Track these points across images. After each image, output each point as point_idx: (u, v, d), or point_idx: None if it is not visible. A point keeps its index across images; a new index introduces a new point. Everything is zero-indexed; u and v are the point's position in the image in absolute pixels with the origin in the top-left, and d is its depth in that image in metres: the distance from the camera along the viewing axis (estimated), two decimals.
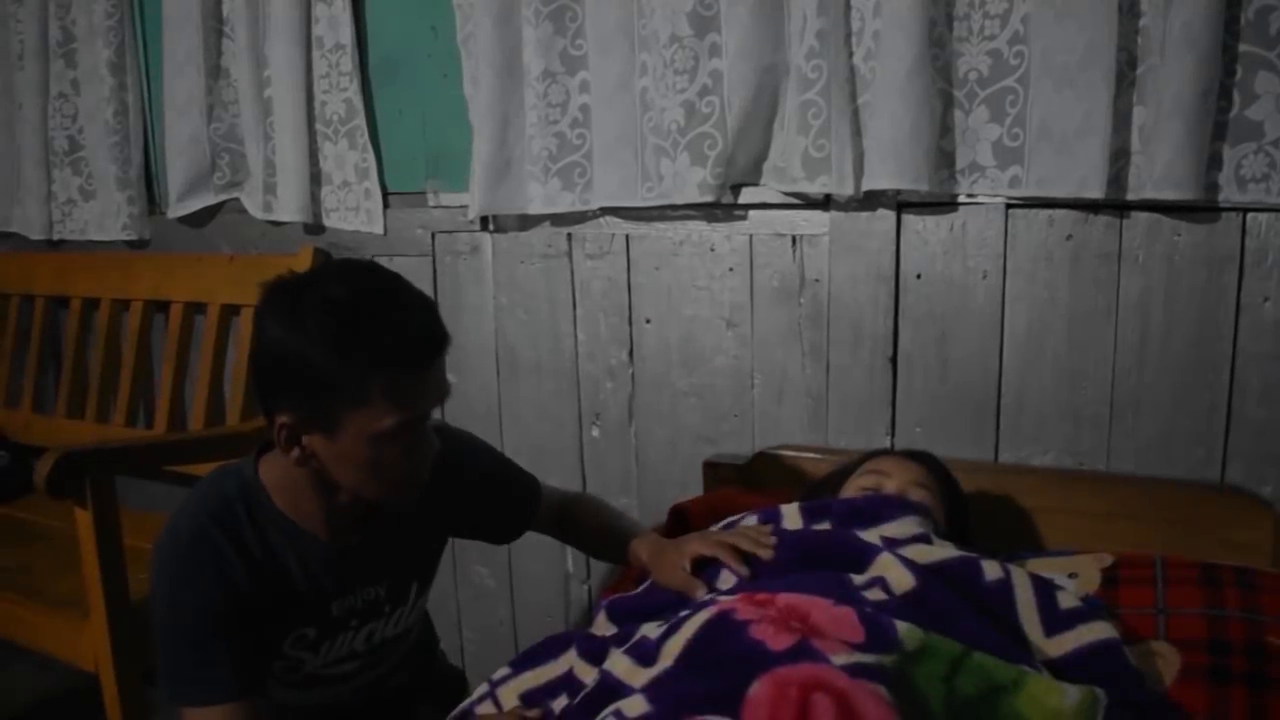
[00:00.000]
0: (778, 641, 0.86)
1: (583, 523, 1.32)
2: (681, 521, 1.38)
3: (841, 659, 0.83)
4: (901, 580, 1.00)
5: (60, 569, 1.69)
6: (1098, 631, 1.00)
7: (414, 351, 1.00)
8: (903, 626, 0.88)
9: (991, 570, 1.05)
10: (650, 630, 1.00)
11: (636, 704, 0.86)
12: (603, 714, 0.88)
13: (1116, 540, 1.28)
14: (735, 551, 1.10)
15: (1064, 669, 0.96)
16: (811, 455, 1.51)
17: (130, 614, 1.48)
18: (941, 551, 1.07)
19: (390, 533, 1.15)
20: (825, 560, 1.06)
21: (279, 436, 1.01)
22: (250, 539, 1.05)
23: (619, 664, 0.96)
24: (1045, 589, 1.05)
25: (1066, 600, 1.05)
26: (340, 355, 0.95)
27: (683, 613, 0.98)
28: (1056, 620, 1.02)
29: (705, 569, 1.11)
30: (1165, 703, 0.97)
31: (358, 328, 0.96)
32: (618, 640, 1.05)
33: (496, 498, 1.27)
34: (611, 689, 0.93)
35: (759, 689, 0.81)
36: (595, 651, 1.05)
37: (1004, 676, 0.87)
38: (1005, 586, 1.04)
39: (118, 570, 1.46)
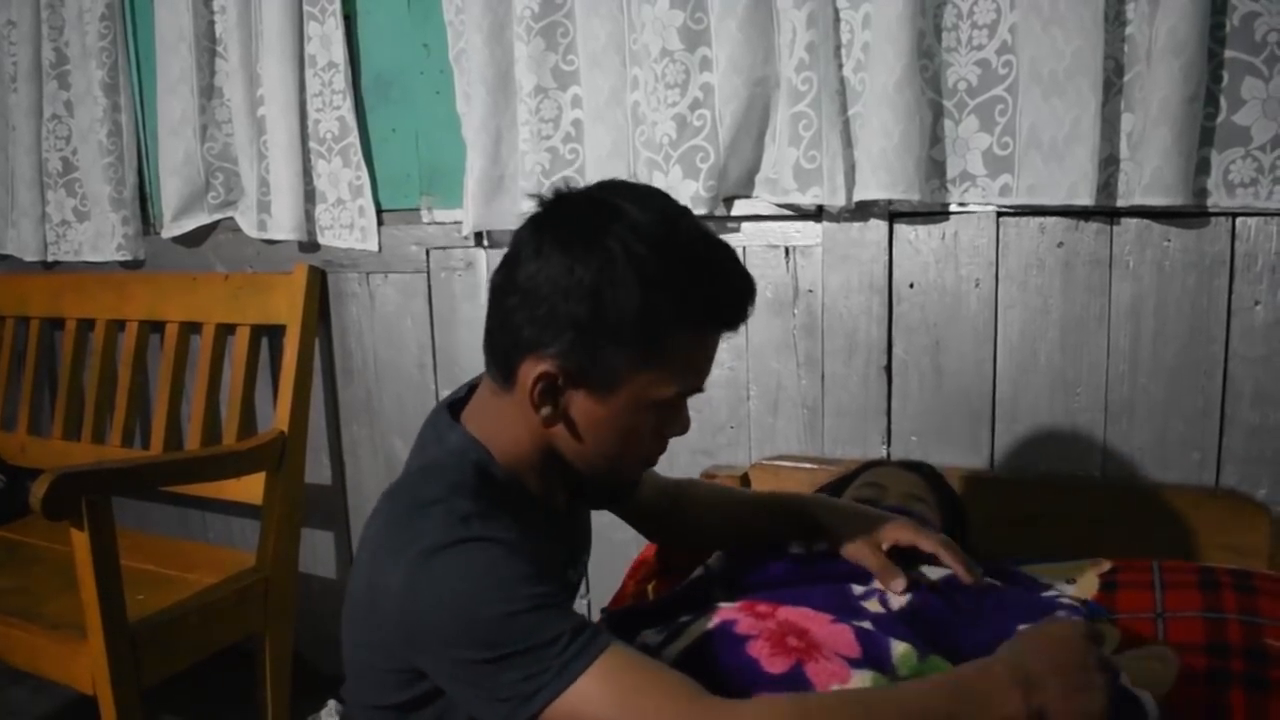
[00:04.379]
0: (773, 664, 0.87)
1: (700, 497, 1.19)
2: None
3: (834, 689, 0.83)
4: (899, 597, 0.99)
5: (57, 591, 1.69)
6: None
7: (734, 311, 0.86)
8: (899, 648, 0.89)
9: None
10: (649, 637, 0.99)
11: None
12: None
13: (1113, 546, 1.29)
14: (954, 552, 0.99)
15: None
16: (808, 466, 1.51)
17: (128, 635, 1.48)
18: (945, 570, 1.05)
19: (581, 499, 1.04)
20: (826, 576, 1.06)
21: (532, 388, 0.84)
22: (504, 515, 0.85)
23: None
24: (1040, 607, 1.04)
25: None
26: (650, 303, 0.80)
27: (683, 618, 0.98)
28: None
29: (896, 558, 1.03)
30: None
31: (676, 273, 0.81)
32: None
33: None
34: None
35: None
36: None
37: None
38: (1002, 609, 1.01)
39: (115, 591, 1.46)
